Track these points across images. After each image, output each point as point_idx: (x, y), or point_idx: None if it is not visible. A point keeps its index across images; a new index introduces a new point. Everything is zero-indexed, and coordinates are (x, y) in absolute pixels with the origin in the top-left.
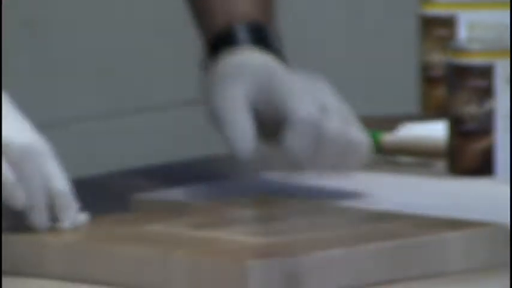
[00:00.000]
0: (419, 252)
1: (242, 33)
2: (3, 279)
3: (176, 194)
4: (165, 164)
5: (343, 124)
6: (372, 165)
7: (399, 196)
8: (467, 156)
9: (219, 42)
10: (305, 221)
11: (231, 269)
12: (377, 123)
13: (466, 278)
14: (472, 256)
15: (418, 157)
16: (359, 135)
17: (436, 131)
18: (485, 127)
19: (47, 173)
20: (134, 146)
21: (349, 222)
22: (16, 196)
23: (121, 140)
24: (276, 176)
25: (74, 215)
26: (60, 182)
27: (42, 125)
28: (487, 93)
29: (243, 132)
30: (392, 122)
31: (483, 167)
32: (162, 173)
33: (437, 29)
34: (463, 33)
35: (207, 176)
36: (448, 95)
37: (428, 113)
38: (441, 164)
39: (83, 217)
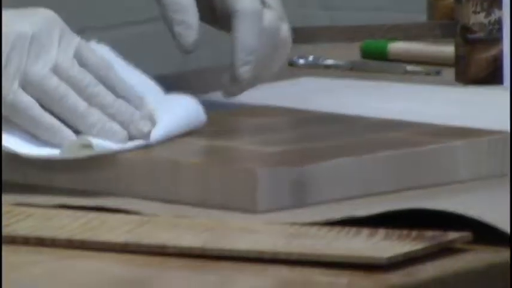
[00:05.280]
0: (427, 161)
1: None
2: (13, 194)
3: None
4: (163, 75)
5: (279, 19)
6: (379, 74)
7: (407, 105)
8: (475, 65)
9: None
10: (312, 130)
11: (239, 177)
12: (385, 32)
13: (474, 186)
14: (480, 165)
15: (426, 65)
16: (288, 34)
17: None
18: (493, 36)
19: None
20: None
21: (356, 130)
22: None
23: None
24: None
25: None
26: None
27: None
28: (495, 2)
29: (187, 19)
30: (400, 31)
31: (491, 75)
32: (165, 83)
33: None
34: None
35: (209, 87)
36: (456, 4)
37: (435, 22)
38: (449, 73)
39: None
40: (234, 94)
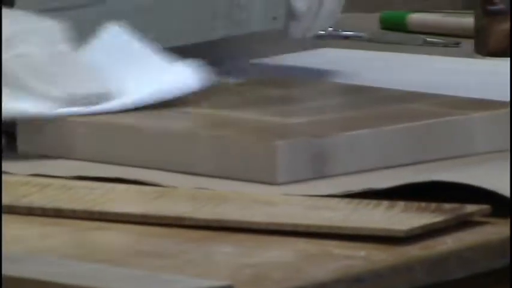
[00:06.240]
0: (446, 133)
1: None
2: (33, 161)
3: None
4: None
5: None
6: (398, 45)
7: (426, 76)
8: (494, 37)
9: None
10: (331, 101)
11: (258, 149)
12: (404, 3)
13: (492, 158)
14: (498, 137)
15: (445, 37)
16: None
17: None
18: None
19: None
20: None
21: (375, 102)
22: None
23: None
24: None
25: None
26: None
27: None
28: None
29: None
30: (419, 2)
31: (510, 47)
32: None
33: None
34: None
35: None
36: None
37: None
38: (468, 44)
39: None
40: (298, 35)
